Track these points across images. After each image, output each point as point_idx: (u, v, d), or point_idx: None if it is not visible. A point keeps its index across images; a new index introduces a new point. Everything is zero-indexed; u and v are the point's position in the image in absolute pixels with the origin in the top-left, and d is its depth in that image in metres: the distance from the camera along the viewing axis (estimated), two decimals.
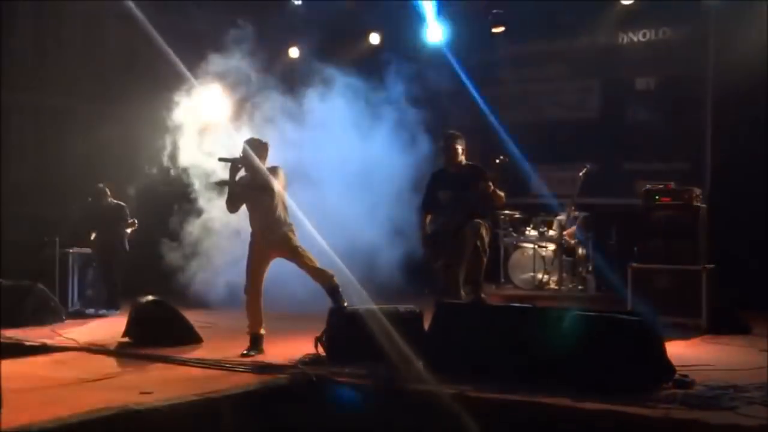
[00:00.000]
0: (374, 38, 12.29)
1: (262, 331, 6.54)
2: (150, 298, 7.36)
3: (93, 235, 10.21)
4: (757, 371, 5.50)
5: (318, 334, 6.07)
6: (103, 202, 10.17)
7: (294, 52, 12.21)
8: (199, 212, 9.43)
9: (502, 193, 6.61)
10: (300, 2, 11.97)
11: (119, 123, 11.00)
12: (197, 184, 8.98)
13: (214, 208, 9.08)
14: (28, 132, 11.50)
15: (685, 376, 4.98)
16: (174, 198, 9.70)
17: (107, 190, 10.21)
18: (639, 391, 4.67)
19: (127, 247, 10.19)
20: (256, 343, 6.48)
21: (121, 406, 4.13)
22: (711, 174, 10.65)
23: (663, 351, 5.02)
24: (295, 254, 6.49)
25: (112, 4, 10.84)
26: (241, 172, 6.58)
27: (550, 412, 4.48)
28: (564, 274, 10.09)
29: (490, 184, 6.47)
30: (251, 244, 6.62)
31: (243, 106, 9.56)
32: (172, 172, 9.30)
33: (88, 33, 12.09)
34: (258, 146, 6.60)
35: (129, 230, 10.18)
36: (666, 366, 4.96)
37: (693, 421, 4.05)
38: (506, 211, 11.02)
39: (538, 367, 5.12)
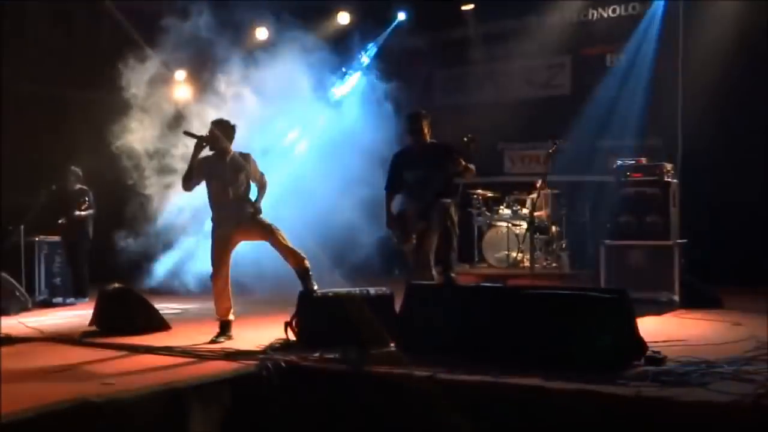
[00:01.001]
0: (343, 18, 12.10)
1: (231, 317, 6.42)
2: (116, 285, 7.22)
3: (60, 221, 9.99)
4: (729, 345, 5.51)
5: (288, 319, 5.95)
6: (69, 186, 9.96)
7: (262, 33, 11.99)
8: (166, 197, 9.24)
9: (472, 167, 6.51)
10: None
11: (86, 109, 10.79)
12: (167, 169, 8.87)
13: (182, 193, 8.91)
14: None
15: (657, 352, 4.93)
16: (139, 184, 9.50)
17: (79, 173, 10.00)
18: (610, 369, 4.62)
19: (91, 234, 9.99)
20: (225, 329, 6.36)
21: (79, 397, 4.00)
22: (682, 149, 10.66)
23: (634, 328, 4.96)
24: (268, 232, 6.32)
25: None
26: (205, 152, 6.43)
27: (522, 393, 4.41)
28: (538, 252, 10.06)
29: (461, 160, 6.37)
30: (213, 230, 6.46)
31: (210, 85, 9.43)
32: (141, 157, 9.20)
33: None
34: (226, 127, 6.47)
35: (84, 213, 9.91)
36: (637, 343, 4.91)
37: (664, 399, 4.00)
38: (479, 191, 10.98)
39: (510, 347, 5.06)
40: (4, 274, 8.68)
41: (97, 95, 9.73)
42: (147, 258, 9.89)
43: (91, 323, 7.07)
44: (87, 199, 9.95)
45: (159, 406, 4.28)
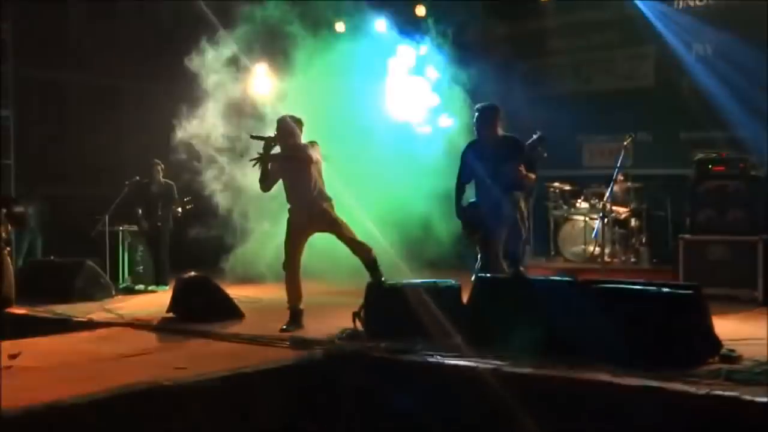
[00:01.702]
0: (420, 11, 12.05)
1: (301, 306, 6.54)
2: (193, 274, 7.44)
3: (140, 213, 10.33)
4: None
5: (356, 309, 6.01)
6: (154, 179, 10.29)
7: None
8: (245, 189, 9.45)
9: (532, 176, 6.45)
10: None
11: (167, 103, 11.08)
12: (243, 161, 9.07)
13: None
14: (78, 113, 11.70)
15: (732, 350, 4.77)
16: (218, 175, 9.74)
17: (160, 167, 10.31)
18: (683, 366, 4.49)
19: (172, 225, 10.28)
20: (295, 318, 6.48)
21: (151, 381, 4.15)
22: None
23: (709, 325, 4.81)
24: (335, 227, 6.45)
25: None
26: (276, 149, 6.54)
27: (588, 388, 4.35)
28: (616, 246, 9.84)
29: (521, 168, 6.29)
30: (289, 221, 6.61)
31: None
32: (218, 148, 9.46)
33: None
34: (292, 123, 6.56)
35: (181, 209, 10.24)
36: (712, 340, 4.76)
37: (737, 399, 3.86)
38: (556, 184, 10.81)
39: (579, 342, 4.96)
40: (89, 262, 9.05)
41: (175, 87, 9.96)
42: (224, 248, 10.18)
43: (169, 310, 7.30)
44: (175, 193, 10.26)
45: (229, 391, 4.40)
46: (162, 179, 10.33)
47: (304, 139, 6.62)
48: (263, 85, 10.68)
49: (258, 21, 9.28)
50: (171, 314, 7.18)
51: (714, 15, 10.97)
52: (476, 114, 6.64)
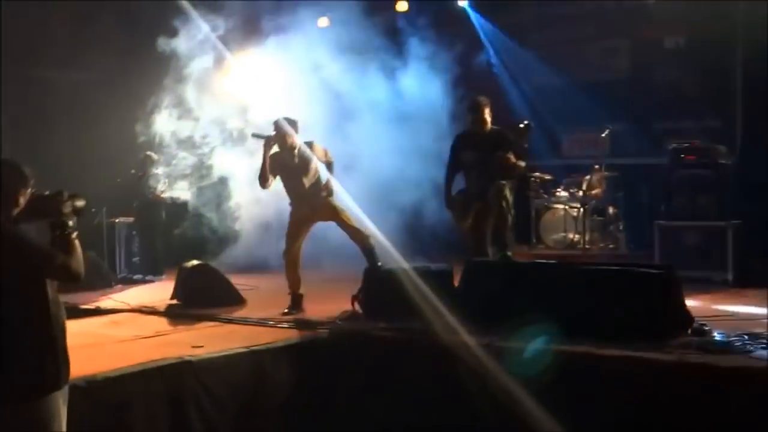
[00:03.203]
0: (402, 6, 12.38)
1: (302, 291, 6.91)
2: (195, 262, 7.77)
3: (135, 205, 10.57)
4: None
5: (355, 293, 6.41)
6: (147, 170, 10.50)
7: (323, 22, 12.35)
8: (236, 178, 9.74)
9: (522, 163, 6.83)
10: None
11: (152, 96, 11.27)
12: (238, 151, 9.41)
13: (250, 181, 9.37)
14: (70, 106, 11.86)
15: (704, 324, 5.22)
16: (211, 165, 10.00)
17: (153, 158, 10.53)
18: (658, 339, 4.93)
19: (163, 214, 10.53)
20: (296, 302, 6.85)
21: (177, 357, 4.52)
22: (742, 131, 10.70)
23: (681, 301, 5.27)
24: (335, 214, 6.82)
25: None
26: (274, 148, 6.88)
27: (572, 359, 4.77)
28: (595, 234, 10.30)
29: (510, 156, 6.68)
30: (290, 214, 6.98)
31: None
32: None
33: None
34: (290, 124, 6.88)
35: (163, 194, 10.41)
36: (684, 315, 5.22)
37: (705, 365, 4.31)
38: (536, 173, 11.23)
39: (562, 319, 5.38)
40: (91, 253, 9.33)
41: (160, 78, 10.15)
42: (221, 238, 10.51)
43: (173, 297, 7.63)
44: (162, 183, 10.48)
45: (243, 366, 4.78)
46: (154, 171, 10.56)
47: (301, 138, 6.96)
48: (251, 72, 10.85)
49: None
50: (175, 301, 7.52)
51: (687, 8, 11.37)
52: (468, 105, 7.02)
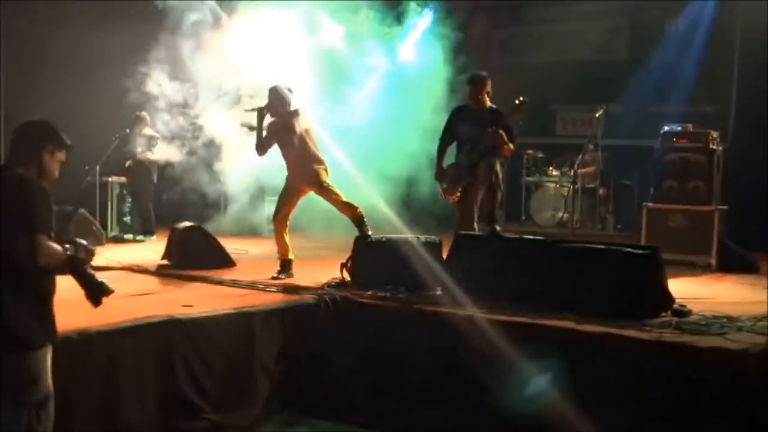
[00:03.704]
0: None
1: (291, 256, 7.00)
2: (188, 224, 7.84)
3: (127, 164, 10.59)
4: (756, 305, 5.79)
5: (344, 261, 6.50)
6: (138, 131, 10.50)
7: None
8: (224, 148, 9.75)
9: (511, 146, 6.89)
10: None
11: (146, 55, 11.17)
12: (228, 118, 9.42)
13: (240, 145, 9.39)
14: (65, 61, 11.79)
15: (683, 306, 5.34)
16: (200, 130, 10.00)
17: (147, 118, 10.52)
18: (638, 317, 5.05)
19: (154, 175, 10.55)
20: (285, 267, 6.94)
21: (167, 315, 4.61)
22: (735, 117, 10.79)
23: (663, 282, 5.38)
24: (322, 190, 6.90)
25: None
26: (269, 118, 6.93)
27: (554, 334, 4.89)
28: (584, 214, 10.40)
29: (502, 133, 6.74)
30: (286, 178, 7.05)
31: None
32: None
33: None
34: (282, 92, 6.92)
35: (151, 158, 10.44)
36: (665, 296, 5.33)
37: (682, 344, 4.44)
38: (529, 151, 11.31)
39: (548, 295, 5.52)
40: (81, 210, 9.39)
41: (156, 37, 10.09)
42: (212, 202, 10.58)
43: (164, 257, 7.71)
44: (154, 144, 10.47)
45: (232, 327, 4.88)
46: (147, 130, 10.55)
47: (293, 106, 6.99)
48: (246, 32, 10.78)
49: None
50: (166, 261, 7.60)
51: None
52: (467, 80, 7.09)
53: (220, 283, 6.41)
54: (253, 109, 7.01)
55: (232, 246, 8.38)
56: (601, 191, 10.73)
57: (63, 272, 3.51)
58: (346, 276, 6.42)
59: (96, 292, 3.56)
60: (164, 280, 6.62)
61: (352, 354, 5.64)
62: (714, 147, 8.37)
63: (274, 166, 7.42)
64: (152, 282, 6.44)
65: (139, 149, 10.40)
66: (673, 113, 10.85)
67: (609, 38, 12.35)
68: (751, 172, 9.65)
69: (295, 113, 6.93)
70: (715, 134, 8.49)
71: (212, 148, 10.05)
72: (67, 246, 3.47)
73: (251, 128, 6.97)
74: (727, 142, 9.71)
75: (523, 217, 11.36)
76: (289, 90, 7.01)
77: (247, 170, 9.77)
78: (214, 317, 4.86)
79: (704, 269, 7.97)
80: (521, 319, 5.12)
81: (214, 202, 10.85)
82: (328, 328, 5.63)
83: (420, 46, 10.73)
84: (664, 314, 5.24)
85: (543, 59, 12.64)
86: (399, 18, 10.85)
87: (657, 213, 8.41)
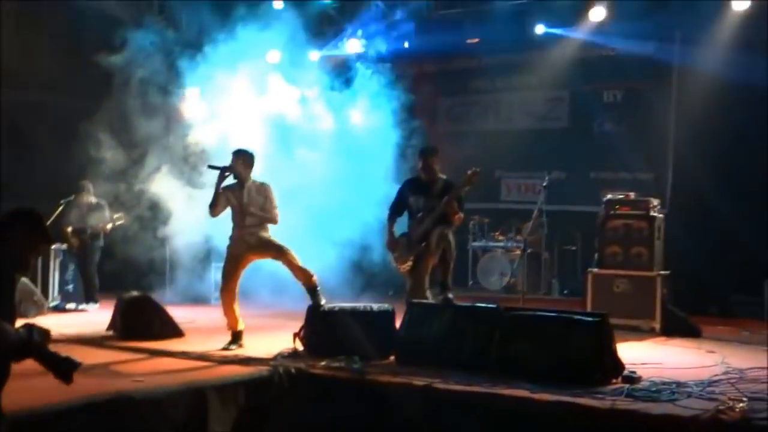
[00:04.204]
0: (353, 46, 12.61)
1: (241, 327, 6.90)
2: (135, 293, 7.70)
3: (70, 230, 10.38)
4: (701, 370, 5.97)
5: (297, 330, 6.45)
6: (83, 199, 10.35)
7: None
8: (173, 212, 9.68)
9: (461, 215, 7.08)
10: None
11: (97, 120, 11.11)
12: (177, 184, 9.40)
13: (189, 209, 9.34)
14: (10, 127, 11.62)
15: (633, 372, 5.44)
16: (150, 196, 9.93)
17: (90, 186, 10.41)
18: (590, 385, 5.12)
19: (102, 243, 10.39)
20: (236, 338, 6.84)
21: (116, 391, 4.49)
22: (672, 184, 11.18)
23: (613, 349, 5.48)
24: (280, 253, 6.84)
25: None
26: (230, 180, 6.93)
27: (509, 403, 4.91)
28: (530, 279, 10.56)
29: (454, 204, 6.91)
30: (229, 247, 6.94)
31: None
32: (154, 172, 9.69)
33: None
34: (246, 157, 6.95)
35: (110, 226, 10.30)
36: (615, 363, 5.43)
37: (635, 412, 4.51)
38: (476, 217, 11.51)
39: (501, 363, 5.57)
40: (23, 279, 9.11)
41: (105, 101, 10.06)
42: (155, 268, 10.42)
43: (109, 328, 7.53)
44: (102, 211, 10.33)
45: (185, 402, 4.77)
46: (92, 197, 10.41)
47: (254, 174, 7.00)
48: (193, 105, 10.87)
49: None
50: (111, 332, 7.42)
51: (624, 63, 11.86)
52: (418, 154, 7.26)
53: (169, 354, 6.28)
54: (215, 167, 6.97)
55: (179, 315, 8.24)
56: (545, 256, 10.94)
57: (19, 358, 3.39)
58: (299, 346, 6.36)
59: (64, 369, 3.43)
60: (111, 352, 6.44)
61: (307, 428, 5.56)
62: (654, 214, 8.65)
63: (221, 231, 7.36)
64: (98, 354, 6.25)
65: (87, 217, 10.24)
66: (613, 180, 11.23)
67: (550, 107, 12.76)
68: (689, 238, 9.97)
69: (266, 188, 6.95)
70: (655, 202, 8.78)
71: (157, 212, 9.99)
72: (21, 331, 3.36)
73: (217, 168, 6.91)
74: (666, 208, 10.03)
75: (471, 282, 11.48)
76: (252, 156, 7.03)
77: (193, 235, 9.74)
78: (165, 392, 4.74)
79: (649, 333, 8.13)
80: (476, 389, 5.13)
81: (159, 269, 10.69)
82: (282, 400, 5.54)
83: (369, 109, 10.91)
84: (615, 381, 5.33)
85: (488, 127, 12.99)
86: (348, 81, 11.07)
87: (602, 278, 8.60)
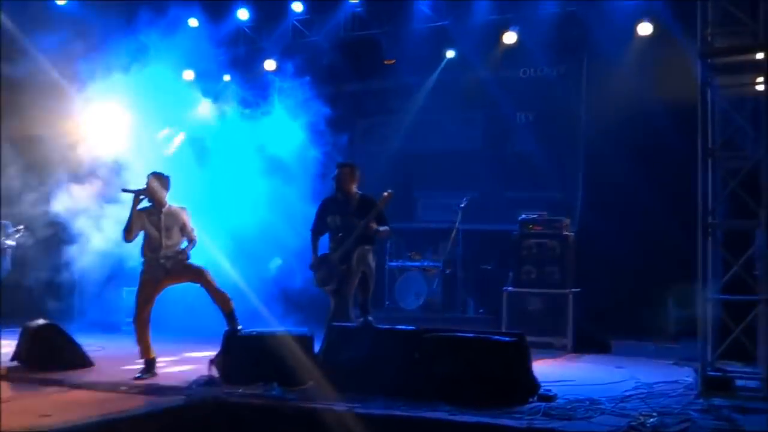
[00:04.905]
0: (269, 65, 12.53)
1: (153, 355, 6.70)
2: (41, 321, 7.36)
3: None
4: (612, 386, 6.18)
5: (212, 357, 6.31)
6: None
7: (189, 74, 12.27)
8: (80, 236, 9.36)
9: (387, 228, 7.11)
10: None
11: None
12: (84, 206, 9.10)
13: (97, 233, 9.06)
14: None
15: (549, 390, 5.56)
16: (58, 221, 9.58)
17: None
18: (508, 404, 5.20)
19: (9, 266, 9.94)
20: (149, 366, 6.64)
21: (23, 429, 4.28)
22: (581, 203, 11.49)
23: (529, 368, 5.59)
24: (198, 274, 6.70)
25: None
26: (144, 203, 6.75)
27: (430, 426, 4.93)
28: (446, 297, 10.67)
29: (374, 225, 6.93)
30: (143, 273, 6.76)
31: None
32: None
33: None
34: (162, 179, 6.81)
35: (10, 242, 9.83)
36: (532, 382, 5.54)
37: (552, 431, 4.59)
38: (392, 236, 11.54)
39: (421, 385, 5.59)
40: None
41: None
42: (60, 294, 10.03)
43: (13, 358, 7.18)
44: (6, 233, 9.88)
45: None
46: None
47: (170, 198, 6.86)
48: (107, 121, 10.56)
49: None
50: (16, 363, 7.08)
51: (537, 85, 12.16)
52: (336, 170, 7.21)
53: (78, 386, 6.03)
54: (130, 191, 6.78)
55: (87, 343, 7.95)
56: (461, 275, 11.06)
57: None
58: (215, 373, 6.22)
59: None
60: (17, 385, 6.14)
61: None
62: (566, 233, 8.88)
63: (131, 255, 7.16)
64: (4, 388, 5.95)
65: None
66: (526, 199, 11.43)
67: (465, 128, 12.96)
68: (599, 256, 10.25)
69: (183, 211, 6.83)
70: (566, 221, 9.03)
71: (63, 234, 9.63)
72: None
73: (131, 191, 6.72)
74: (576, 226, 10.30)
75: (387, 302, 11.49)
76: (168, 178, 6.87)
77: (101, 259, 9.43)
78: (76, 428, 4.55)
79: (561, 351, 8.33)
80: (395, 413, 5.13)
81: (65, 294, 10.30)
82: (198, 431, 5.40)
83: (286, 128, 10.87)
84: (531, 400, 5.42)
85: (405, 146, 13.07)
86: (265, 100, 11.00)
87: (516, 297, 8.79)
